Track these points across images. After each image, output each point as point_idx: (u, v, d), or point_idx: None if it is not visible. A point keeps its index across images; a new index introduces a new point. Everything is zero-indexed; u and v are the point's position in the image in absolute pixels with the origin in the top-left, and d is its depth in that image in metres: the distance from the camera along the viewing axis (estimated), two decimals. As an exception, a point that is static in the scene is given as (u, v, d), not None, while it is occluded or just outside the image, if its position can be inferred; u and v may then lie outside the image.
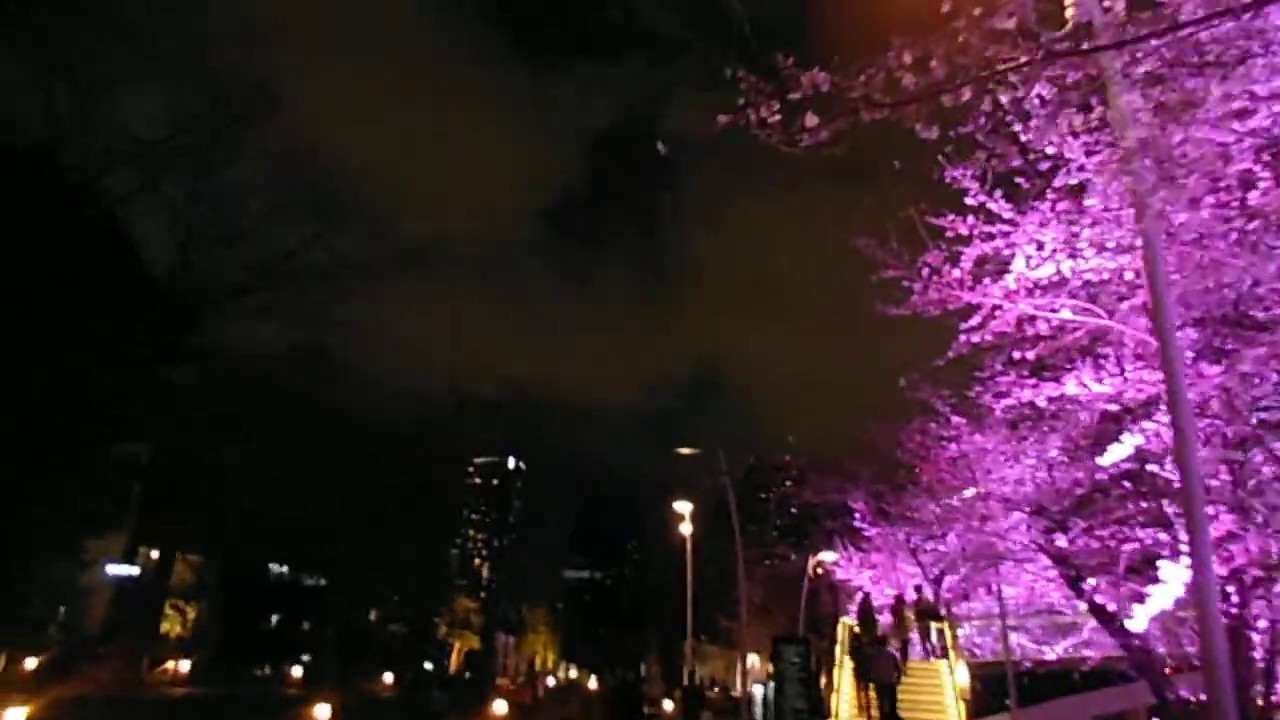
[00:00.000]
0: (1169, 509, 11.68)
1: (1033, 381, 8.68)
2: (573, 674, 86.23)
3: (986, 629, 27.93)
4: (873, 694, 16.62)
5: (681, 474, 33.95)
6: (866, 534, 27.11)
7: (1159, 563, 7.42)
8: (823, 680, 21.58)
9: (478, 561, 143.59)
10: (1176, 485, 12.06)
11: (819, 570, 33.02)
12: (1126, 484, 12.30)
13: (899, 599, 20.19)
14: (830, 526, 31.78)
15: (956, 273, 8.51)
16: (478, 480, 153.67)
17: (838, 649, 18.72)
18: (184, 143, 20.16)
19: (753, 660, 62.83)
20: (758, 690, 37.31)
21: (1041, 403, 8.87)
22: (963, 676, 15.77)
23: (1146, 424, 7.60)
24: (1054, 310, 8.40)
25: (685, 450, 24.19)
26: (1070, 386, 7.85)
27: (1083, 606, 23.22)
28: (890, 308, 9.54)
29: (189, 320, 27.89)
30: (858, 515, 27.20)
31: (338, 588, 60.37)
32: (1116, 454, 7.77)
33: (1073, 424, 12.91)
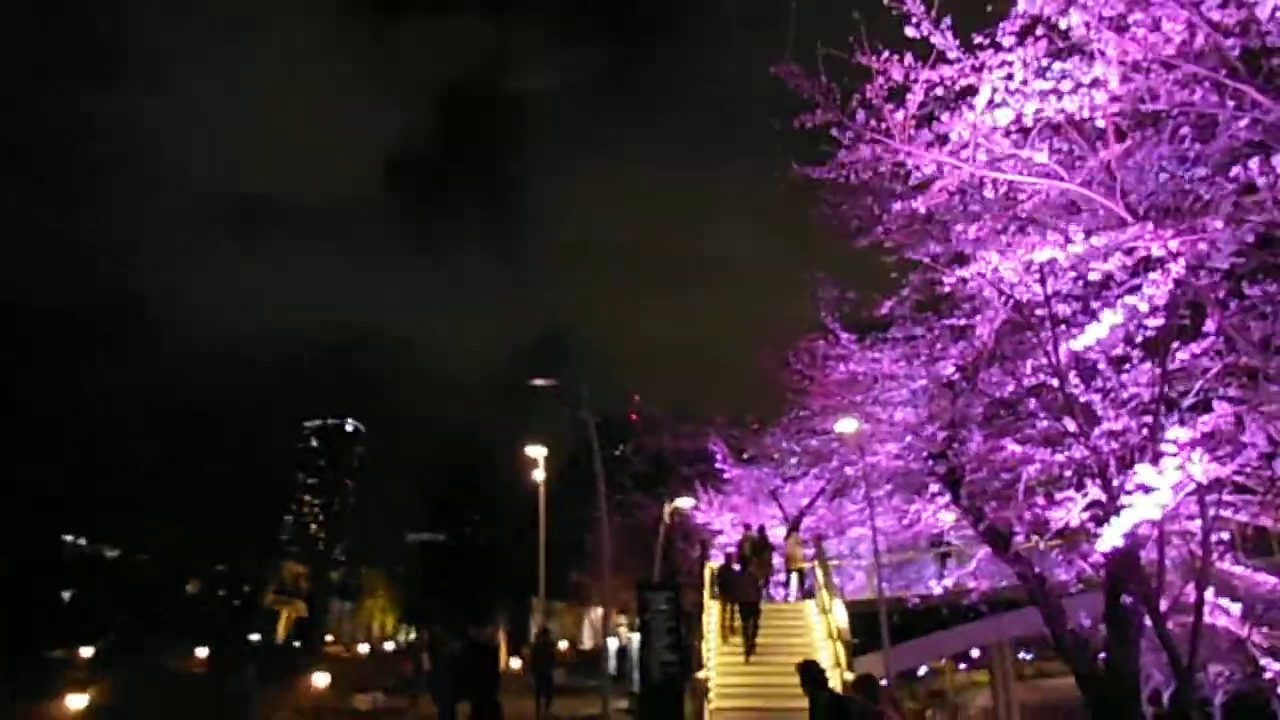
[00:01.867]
0: (1078, 424, 10.83)
1: (1007, 235, 7.15)
2: (414, 637, 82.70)
3: (838, 570, 27.89)
4: (737, 612, 16.36)
5: (536, 412, 31.78)
6: (727, 475, 26.23)
7: (1136, 466, 6.11)
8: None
9: (313, 527, 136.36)
10: (1084, 399, 11.28)
11: (675, 518, 32.00)
12: (1032, 401, 11.41)
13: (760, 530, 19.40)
14: (687, 473, 30.78)
15: (900, 116, 6.81)
16: (314, 443, 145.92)
17: (705, 594, 17.41)
18: None
19: (601, 613, 62.13)
20: (612, 643, 36.10)
21: (1010, 272, 7.36)
22: (841, 616, 14.79)
23: (1129, 298, 6.23)
24: (1019, 169, 6.87)
25: (540, 381, 22.02)
26: (1044, 253, 6.32)
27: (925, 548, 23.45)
28: (811, 168, 7.78)
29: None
30: (719, 457, 26.30)
31: (144, 558, 54.23)
32: (1094, 334, 6.39)
33: (971, 339, 11.89)
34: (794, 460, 25.12)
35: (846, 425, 17.90)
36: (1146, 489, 6.01)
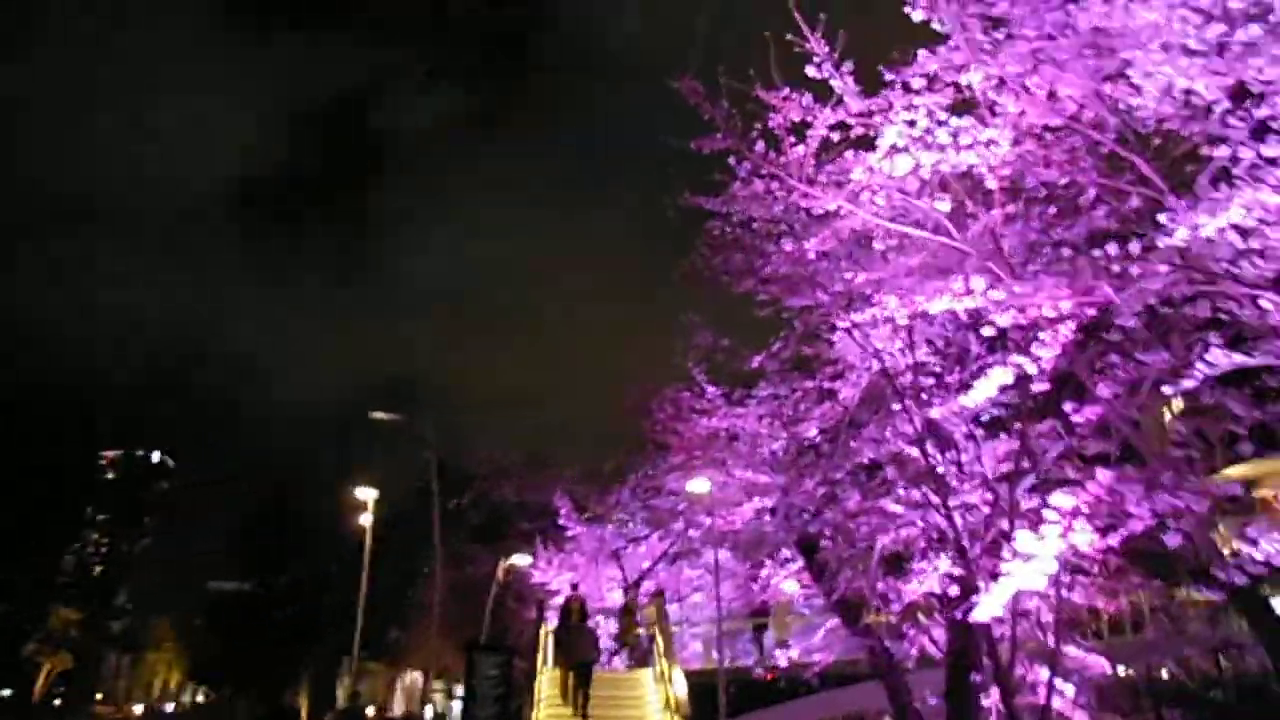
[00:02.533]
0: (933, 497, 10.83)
1: (909, 283, 6.81)
2: (200, 698, 74.48)
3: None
4: (572, 674, 15.30)
5: (370, 455, 29.52)
6: (570, 533, 25.17)
7: (1015, 534, 5.85)
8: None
9: (99, 568, 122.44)
10: (940, 469, 11.34)
11: (510, 575, 30.46)
12: (890, 469, 11.34)
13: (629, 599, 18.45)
14: (528, 528, 29.42)
15: (800, 150, 6.47)
16: (111, 475, 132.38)
17: (538, 658, 16.21)
18: None
19: (416, 677, 58.16)
20: (428, 711, 33.62)
21: (901, 319, 7.03)
22: (680, 687, 14.03)
23: (1017, 357, 6.03)
24: (906, 218, 6.67)
25: (382, 415, 20.26)
26: (941, 302, 6.06)
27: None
28: (700, 198, 7.32)
29: None
30: (562, 513, 25.26)
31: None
32: (982, 391, 6.14)
33: (836, 402, 11.79)
34: (639, 520, 24.58)
35: (698, 485, 17.51)
36: (1025, 557, 5.73)
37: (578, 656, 15.02)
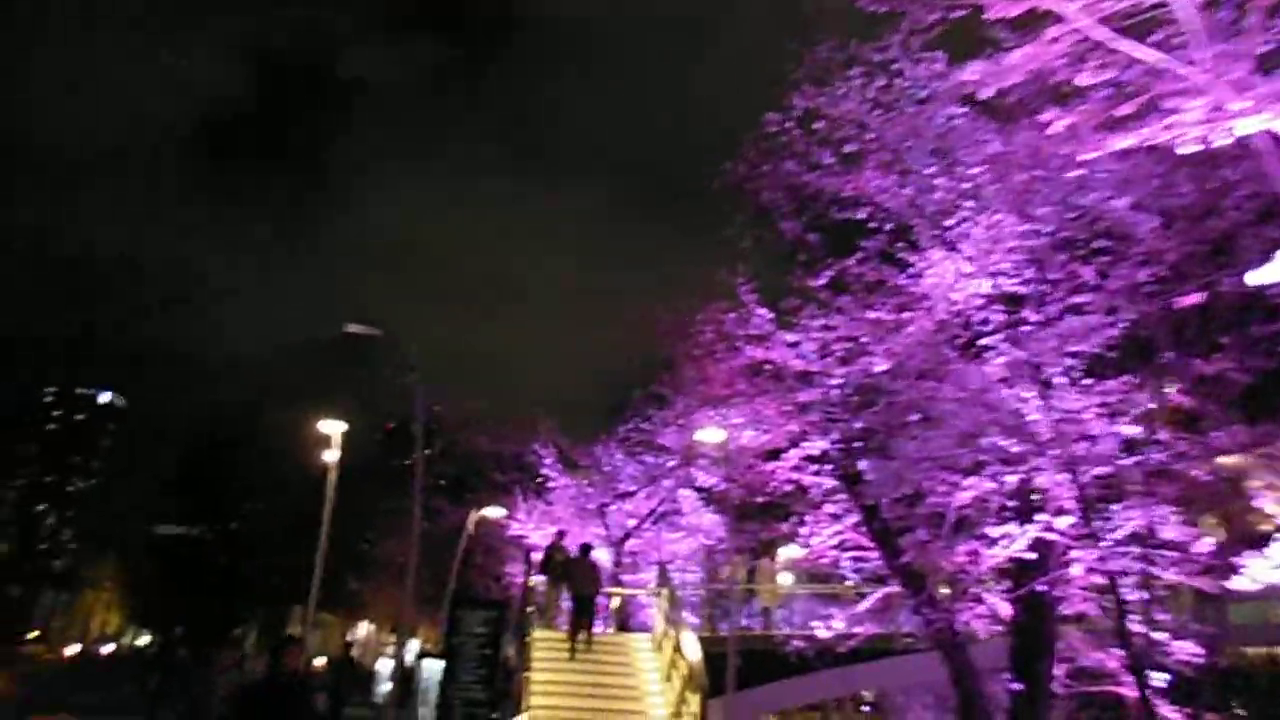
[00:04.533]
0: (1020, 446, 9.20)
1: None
2: (141, 641, 71.68)
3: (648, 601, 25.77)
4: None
5: (334, 395, 27.24)
6: (552, 485, 23.41)
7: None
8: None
9: (42, 506, 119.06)
10: (1030, 418, 9.63)
11: (480, 528, 28.63)
12: (977, 413, 9.65)
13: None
14: (502, 480, 27.49)
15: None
16: (58, 414, 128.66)
17: (529, 613, 14.39)
18: None
19: (368, 630, 56.33)
20: (384, 666, 31.88)
21: (1188, 145, 5.09)
22: (693, 651, 12.23)
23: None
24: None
25: (358, 328, 18.03)
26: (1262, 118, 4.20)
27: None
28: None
29: None
30: (546, 462, 23.49)
31: None
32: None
33: (908, 335, 10.09)
34: (626, 475, 22.94)
35: (709, 434, 15.72)
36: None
37: (578, 588, 14.23)
